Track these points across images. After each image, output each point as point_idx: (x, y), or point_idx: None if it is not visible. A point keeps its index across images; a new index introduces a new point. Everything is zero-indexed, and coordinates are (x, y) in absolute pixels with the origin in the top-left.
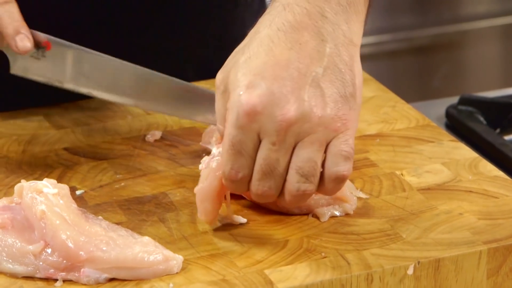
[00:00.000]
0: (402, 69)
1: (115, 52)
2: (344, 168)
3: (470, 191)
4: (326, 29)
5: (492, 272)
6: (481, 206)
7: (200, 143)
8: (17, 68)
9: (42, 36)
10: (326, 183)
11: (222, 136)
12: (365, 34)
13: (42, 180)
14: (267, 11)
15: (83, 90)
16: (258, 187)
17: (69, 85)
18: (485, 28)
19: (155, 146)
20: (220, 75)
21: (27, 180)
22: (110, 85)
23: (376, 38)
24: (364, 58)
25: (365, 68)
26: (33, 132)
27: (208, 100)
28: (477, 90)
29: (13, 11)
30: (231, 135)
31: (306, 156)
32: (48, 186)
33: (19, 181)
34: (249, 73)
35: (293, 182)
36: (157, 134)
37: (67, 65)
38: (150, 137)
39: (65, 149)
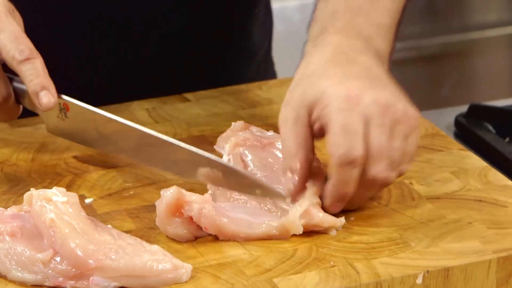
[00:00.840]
0: (411, 77)
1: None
2: (406, 168)
3: (480, 200)
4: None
5: (502, 281)
6: (490, 215)
7: (214, 147)
8: (51, 128)
9: (61, 98)
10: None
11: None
12: None
13: (51, 188)
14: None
15: (108, 151)
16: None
17: (94, 146)
18: (494, 37)
19: None
20: (288, 108)
21: (36, 188)
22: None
23: None
24: None
25: None
26: (42, 140)
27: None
28: (486, 99)
29: (38, 67)
30: (341, 119)
31: (399, 138)
32: (58, 195)
33: (28, 189)
34: (327, 79)
35: (379, 170)
36: None
37: (88, 128)
38: None
39: (74, 157)
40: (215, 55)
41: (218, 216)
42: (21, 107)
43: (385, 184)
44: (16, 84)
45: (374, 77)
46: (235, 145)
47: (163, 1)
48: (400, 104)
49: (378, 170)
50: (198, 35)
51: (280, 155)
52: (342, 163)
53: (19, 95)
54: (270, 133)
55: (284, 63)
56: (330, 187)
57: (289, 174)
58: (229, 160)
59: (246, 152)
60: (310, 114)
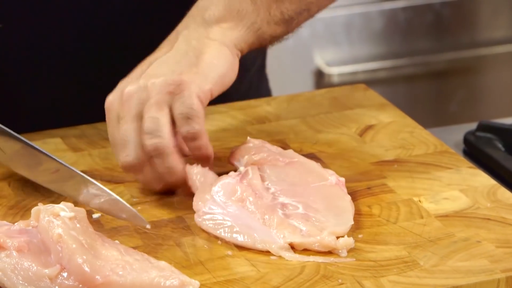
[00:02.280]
0: (418, 93)
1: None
2: (188, 128)
3: (488, 219)
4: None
5: None
6: (499, 234)
7: (229, 159)
8: None
9: None
10: (186, 144)
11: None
12: (382, 58)
13: (58, 203)
14: None
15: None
16: (120, 160)
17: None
18: (502, 53)
19: None
20: None
21: (44, 203)
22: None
23: (393, 62)
24: (380, 82)
25: (382, 92)
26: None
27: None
28: (495, 116)
29: None
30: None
31: (147, 116)
32: (65, 210)
33: (36, 204)
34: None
35: (144, 141)
36: None
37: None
38: None
39: (82, 172)
40: None
41: None
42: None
43: (161, 149)
44: None
45: (151, 58)
46: (253, 163)
47: (161, 18)
48: (151, 79)
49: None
50: None
51: (298, 171)
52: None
53: None
54: (289, 151)
55: (279, 79)
56: None
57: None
58: (246, 171)
59: (264, 167)
60: None
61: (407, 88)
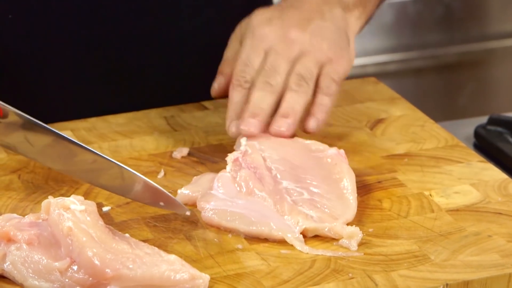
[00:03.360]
0: (428, 87)
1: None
2: (320, 99)
3: (500, 213)
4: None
5: None
6: (510, 228)
7: (234, 147)
8: None
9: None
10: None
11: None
12: (392, 51)
13: (68, 196)
14: None
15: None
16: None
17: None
18: None
19: (182, 163)
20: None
21: (54, 196)
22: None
23: (403, 55)
24: (390, 75)
25: (391, 85)
26: None
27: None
28: (505, 109)
29: None
30: (243, 52)
31: (304, 64)
32: (75, 203)
33: (46, 197)
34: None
35: (292, 83)
36: (184, 151)
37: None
38: (177, 154)
39: None
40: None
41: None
42: None
43: (303, 94)
44: None
45: (303, 19)
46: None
47: (179, 14)
48: (314, 41)
49: (260, 80)
50: (213, 45)
51: (297, 150)
52: (232, 86)
53: None
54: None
55: None
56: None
57: (219, 78)
58: (246, 150)
59: (263, 147)
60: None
61: (417, 81)
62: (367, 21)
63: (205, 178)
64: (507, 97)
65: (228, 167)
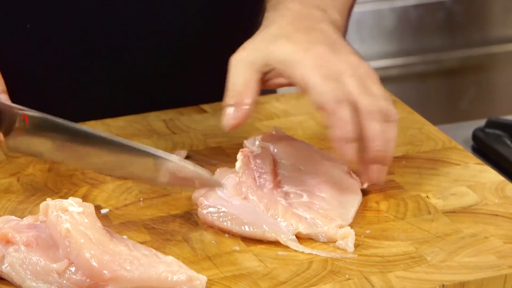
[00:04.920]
0: (430, 91)
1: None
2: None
3: (496, 215)
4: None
5: None
6: (507, 230)
7: (245, 142)
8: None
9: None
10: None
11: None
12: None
13: (67, 198)
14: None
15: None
16: (367, 102)
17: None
18: None
19: None
20: (243, 53)
21: (53, 199)
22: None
23: (405, 60)
24: (392, 79)
25: (393, 89)
26: None
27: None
28: (506, 113)
29: None
30: (319, 73)
31: (376, 86)
32: (73, 205)
33: (45, 199)
34: (294, 44)
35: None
36: (183, 154)
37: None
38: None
39: None
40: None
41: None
42: None
43: (385, 113)
44: None
45: (334, 42)
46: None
47: (178, 17)
48: (363, 63)
49: (366, 102)
50: (211, 48)
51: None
52: (335, 101)
53: None
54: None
55: None
56: (333, 133)
57: (230, 108)
58: (258, 151)
59: (276, 151)
60: (266, 69)
61: (418, 86)
62: None
63: (225, 173)
64: (509, 101)
65: (238, 164)
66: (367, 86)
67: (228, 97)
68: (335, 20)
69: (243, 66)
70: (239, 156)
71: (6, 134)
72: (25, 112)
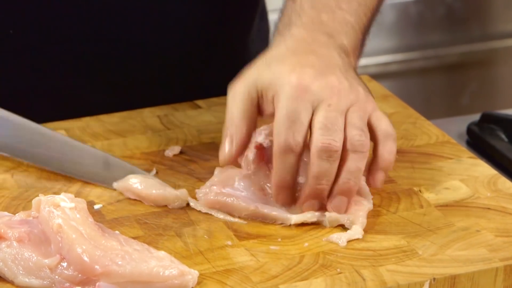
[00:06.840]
0: (430, 87)
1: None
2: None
3: (488, 208)
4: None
5: None
6: (498, 223)
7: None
8: None
9: None
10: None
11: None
12: (393, 51)
13: (60, 194)
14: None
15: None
16: (323, 140)
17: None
18: None
19: (174, 161)
20: (240, 83)
21: (46, 195)
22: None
23: (405, 56)
24: (392, 75)
25: (393, 85)
26: None
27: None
28: (505, 108)
29: None
30: (286, 107)
31: (357, 115)
32: (65, 200)
33: (38, 195)
34: (282, 66)
35: (353, 135)
36: (177, 149)
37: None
38: (169, 152)
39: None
40: (216, 66)
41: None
42: None
43: (365, 147)
44: None
45: (331, 65)
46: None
47: (172, 14)
48: (354, 89)
49: (322, 138)
50: (204, 46)
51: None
52: (283, 147)
53: None
54: None
55: None
56: (273, 176)
57: (227, 142)
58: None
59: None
60: (259, 96)
61: (419, 81)
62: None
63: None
64: (509, 96)
65: (251, 156)
66: (347, 114)
67: (226, 130)
68: (342, 45)
69: (239, 98)
70: (251, 148)
71: None
72: None
